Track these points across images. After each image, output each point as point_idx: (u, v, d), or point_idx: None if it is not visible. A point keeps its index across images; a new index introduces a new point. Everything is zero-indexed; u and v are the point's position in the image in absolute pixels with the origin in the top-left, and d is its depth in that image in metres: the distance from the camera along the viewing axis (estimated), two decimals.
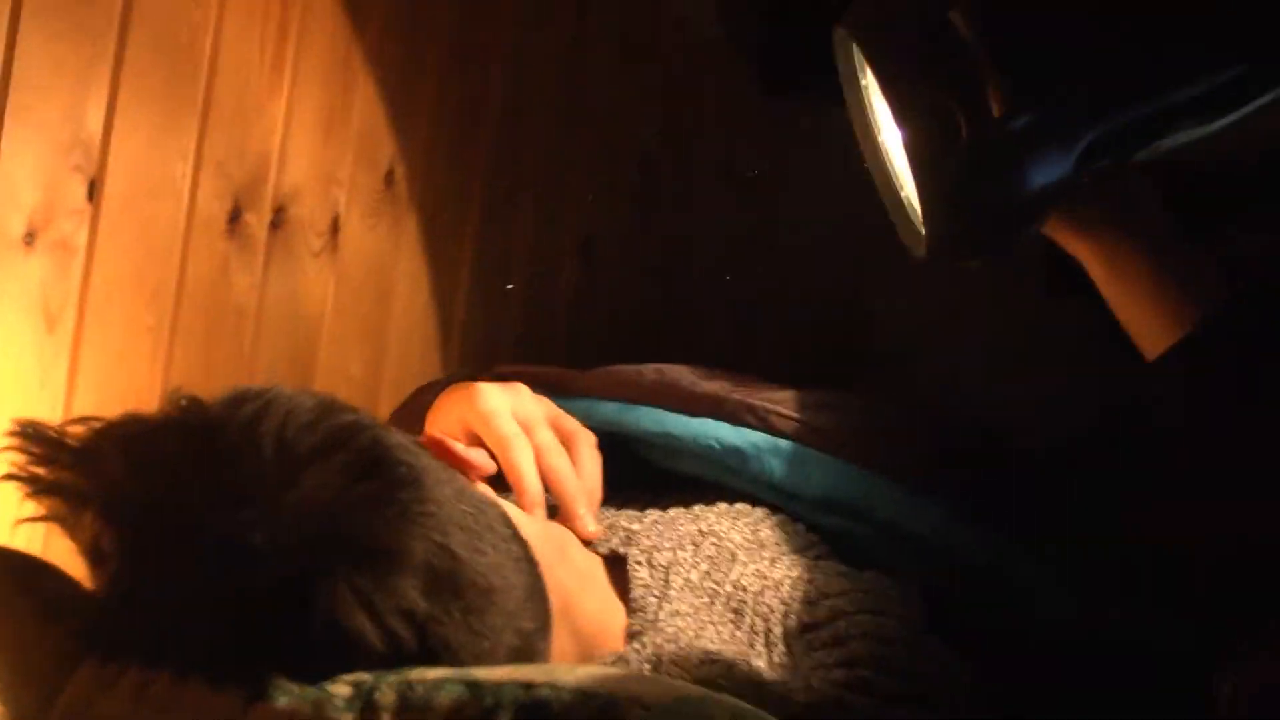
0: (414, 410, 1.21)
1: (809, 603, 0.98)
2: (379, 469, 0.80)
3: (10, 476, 0.79)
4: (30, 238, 1.11)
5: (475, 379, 1.18)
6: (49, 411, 1.13)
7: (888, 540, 1.11)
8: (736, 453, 1.14)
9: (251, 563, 0.74)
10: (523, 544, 0.90)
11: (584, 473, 1.08)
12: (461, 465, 0.92)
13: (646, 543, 1.04)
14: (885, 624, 0.97)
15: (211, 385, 1.21)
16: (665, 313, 1.61)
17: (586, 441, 1.11)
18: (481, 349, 1.56)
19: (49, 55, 1.10)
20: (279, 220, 1.32)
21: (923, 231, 0.91)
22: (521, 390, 1.13)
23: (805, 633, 0.97)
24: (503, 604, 0.84)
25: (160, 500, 0.76)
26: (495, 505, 0.90)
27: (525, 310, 1.62)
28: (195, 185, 1.25)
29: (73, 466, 0.79)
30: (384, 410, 1.43)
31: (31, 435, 0.81)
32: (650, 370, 1.20)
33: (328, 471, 0.78)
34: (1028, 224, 0.87)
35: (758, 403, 1.15)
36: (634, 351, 1.56)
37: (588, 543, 1.04)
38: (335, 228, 1.38)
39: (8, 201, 1.09)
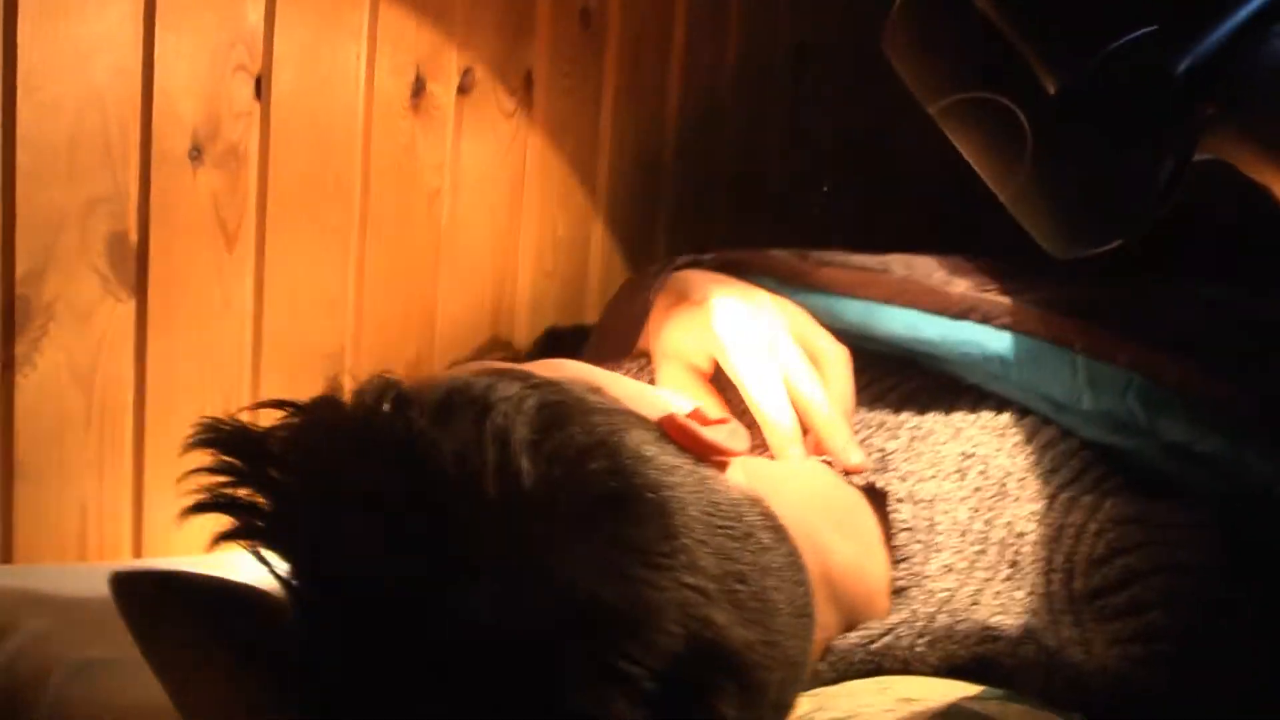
0: (628, 314, 1.09)
1: (1098, 561, 0.85)
2: (623, 509, 0.69)
3: (202, 507, 0.72)
4: (196, 152, 1.02)
5: (697, 264, 1.07)
6: (236, 337, 1.07)
7: (1175, 460, 0.96)
8: (1000, 361, 1.00)
9: (485, 647, 0.65)
10: (781, 536, 0.78)
11: (838, 396, 0.96)
12: (708, 452, 0.78)
13: (905, 466, 0.93)
14: (1185, 584, 0.83)
15: (407, 283, 1.18)
16: (879, 122, 1.43)
17: (840, 361, 0.98)
18: (696, 188, 1.43)
19: None
20: (466, 84, 1.20)
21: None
22: (760, 298, 0.99)
23: (1096, 599, 0.84)
24: (771, 652, 0.73)
25: (377, 573, 0.67)
26: (751, 501, 0.78)
27: (740, 136, 1.46)
28: (371, 63, 1.13)
29: (274, 516, 0.71)
30: (593, 275, 1.34)
31: (224, 444, 0.73)
32: (897, 264, 1.05)
33: (564, 522, 0.67)
34: (1160, 180, 0.76)
35: (1025, 305, 1.00)
36: (850, 169, 1.42)
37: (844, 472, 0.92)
38: (529, 82, 1.25)
39: (168, 119, 1.00)
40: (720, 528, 0.72)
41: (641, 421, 0.76)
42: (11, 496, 0.95)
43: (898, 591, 0.87)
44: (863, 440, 0.96)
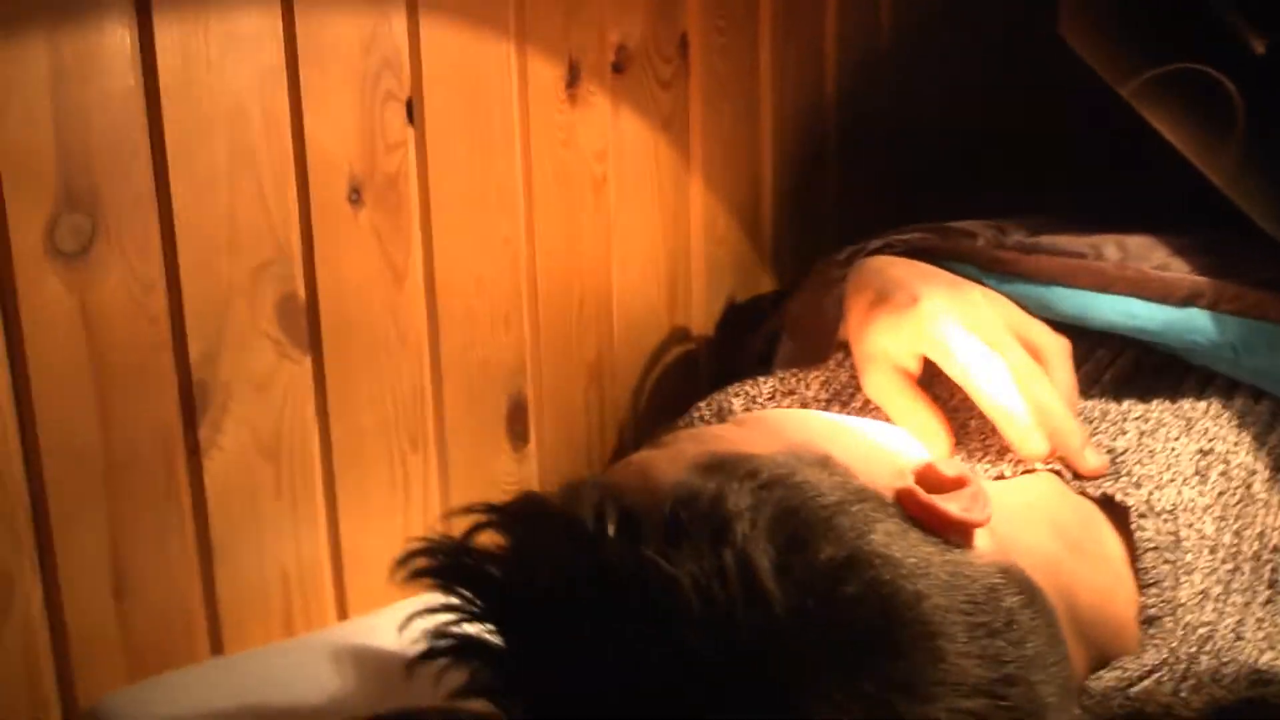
0: (823, 309, 1.02)
1: None
2: (886, 640, 0.63)
3: (433, 654, 0.68)
4: (356, 194, 0.97)
5: (888, 248, 1.00)
6: (414, 371, 1.03)
7: None
8: (1231, 347, 0.92)
9: None
10: (1039, 608, 0.72)
11: (1064, 393, 0.88)
12: (952, 530, 0.71)
13: (1139, 470, 0.85)
14: None
15: (581, 280, 1.12)
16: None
17: (1061, 354, 0.90)
18: (859, 141, 1.34)
19: None
20: (621, 61, 1.12)
21: None
22: (971, 293, 0.91)
23: None
24: None
25: None
26: (1004, 575, 0.71)
27: (899, 87, 1.35)
28: (523, 61, 1.06)
29: (510, 664, 0.67)
30: (765, 237, 1.27)
31: (445, 574, 0.69)
32: (1110, 246, 0.96)
33: (825, 662, 0.62)
34: None
35: (1254, 288, 0.91)
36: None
37: (1076, 477, 0.86)
38: (684, 48, 1.16)
39: (323, 166, 0.95)
40: (981, 624, 0.67)
41: (880, 504, 0.70)
42: (214, 581, 0.93)
43: (1148, 620, 0.81)
44: (1090, 437, 0.89)
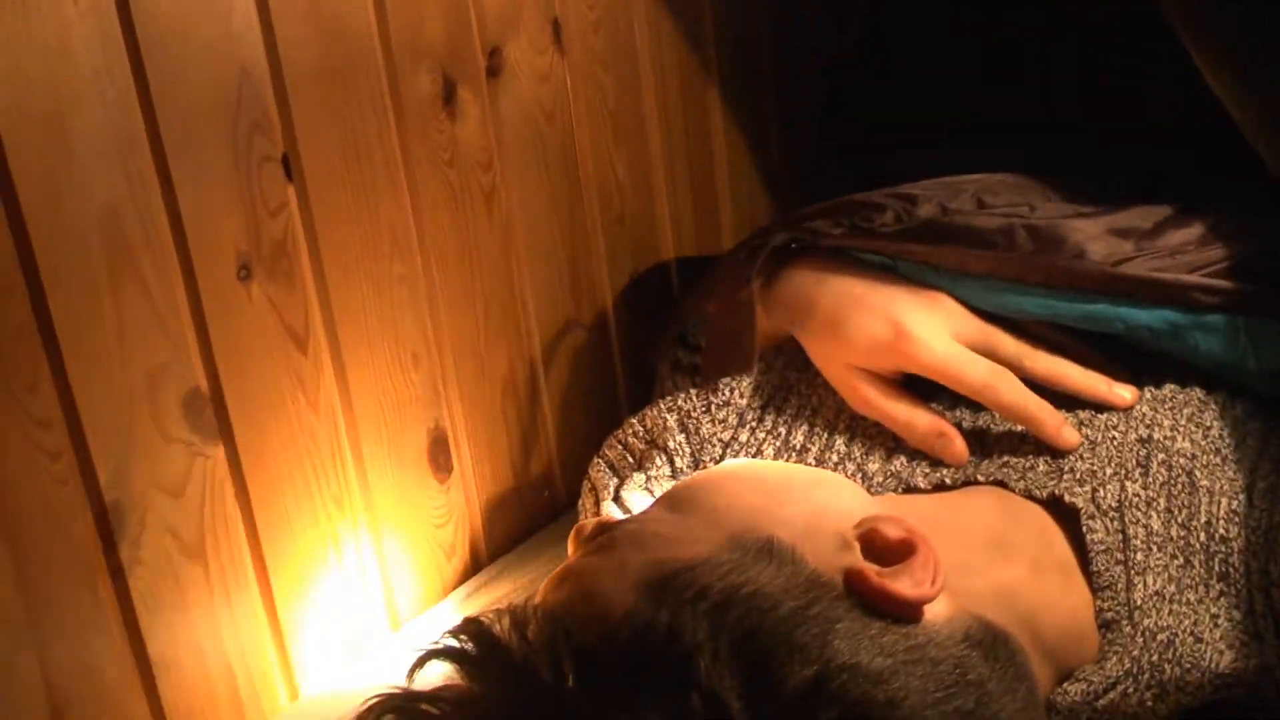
0: (734, 308, 1.01)
1: None
2: None
3: None
4: (245, 271, 0.90)
5: (798, 242, 0.99)
6: (330, 435, 0.99)
7: None
8: (1149, 330, 0.93)
9: None
10: (1009, 662, 0.72)
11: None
12: (906, 612, 0.69)
13: (1080, 466, 0.86)
14: None
15: (485, 299, 1.07)
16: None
17: (1029, 359, 0.94)
18: (745, 101, 1.28)
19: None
20: (495, 65, 1.06)
21: None
22: (946, 305, 0.93)
23: None
24: None
25: None
26: (969, 639, 0.71)
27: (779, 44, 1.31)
28: (395, 86, 0.99)
29: None
30: (660, 209, 1.22)
31: None
32: (1023, 235, 0.95)
33: None
34: None
35: (1169, 275, 0.91)
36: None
37: (1029, 494, 0.86)
38: (557, 33, 1.10)
39: (207, 248, 0.88)
40: (954, 711, 0.66)
41: (833, 597, 0.68)
42: (158, 694, 0.89)
43: (1105, 625, 0.82)
44: (1028, 435, 0.90)
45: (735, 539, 0.71)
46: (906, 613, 0.69)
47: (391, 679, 0.67)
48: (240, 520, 0.93)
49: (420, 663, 0.68)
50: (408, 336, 1.02)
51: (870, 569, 0.70)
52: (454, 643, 0.67)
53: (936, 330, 0.91)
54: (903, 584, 0.69)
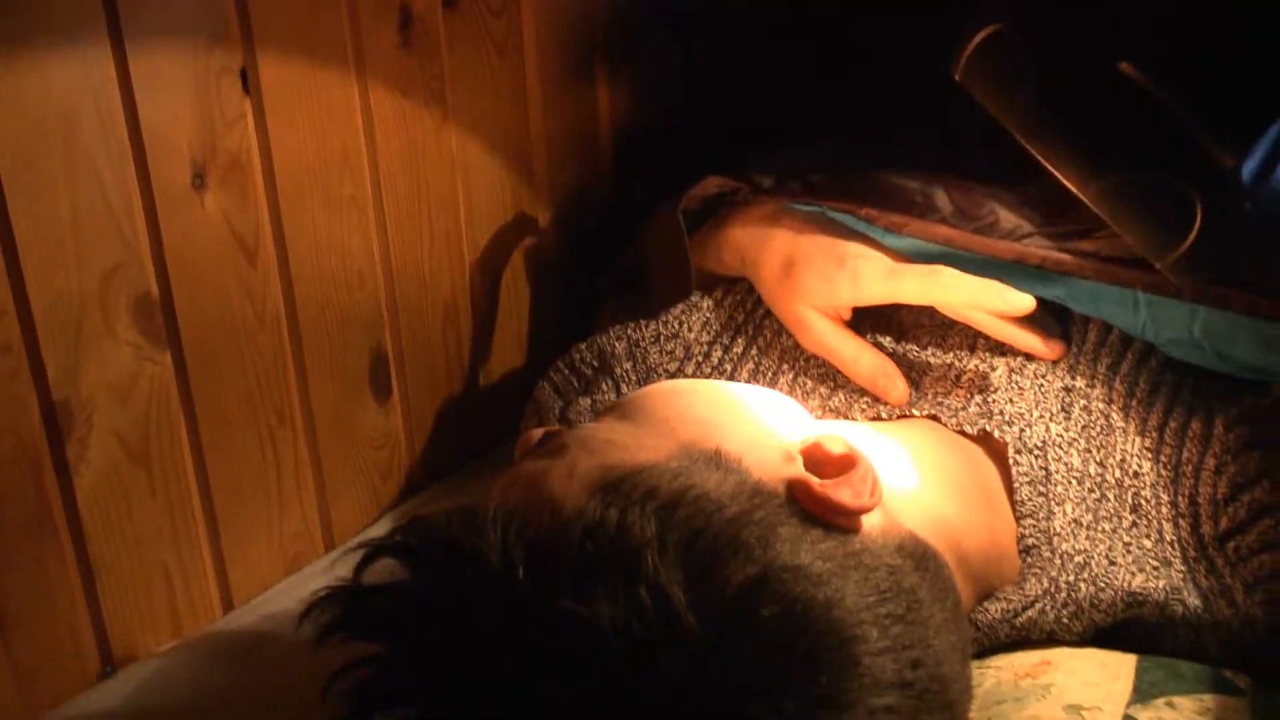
0: (673, 247, 1.03)
1: (1223, 501, 0.84)
2: (805, 658, 0.64)
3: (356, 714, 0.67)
4: (199, 179, 0.91)
5: (758, 191, 1.02)
6: (275, 347, 1.00)
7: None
8: (1057, 294, 0.96)
9: None
10: (937, 574, 0.76)
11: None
12: (845, 520, 0.72)
13: (1010, 409, 0.90)
14: None
15: (431, 226, 1.09)
16: None
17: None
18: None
19: None
20: None
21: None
22: (885, 248, 0.96)
23: (1226, 540, 0.84)
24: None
25: None
26: (901, 550, 0.74)
27: None
28: (355, 12, 1.00)
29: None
30: (606, 150, 1.24)
31: (357, 627, 0.67)
32: (942, 198, 0.98)
33: (750, 688, 0.63)
34: None
35: (1079, 254, 0.94)
36: None
37: (959, 431, 0.91)
38: None
39: (164, 156, 0.89)
40: (888, 615, 0.69)
41: (777, 504, 0.71)
42: (97, 596, 0.90)
43: (1026, 550, 0.86)
44: (962, 376, 0.93)
45: (684, 447, 0.73)
46: (846, 521, 0.72)
47: (338, 577, 0.67)
48: (184, 428, 0.94)
49: (368, 559, 0.69)
50: (354, 257, 1.03)
51: (812, 479, 0.72)
52: (402, 539, 0.68)
53: (881, 260, 0.94)
54: (843, 494, 0.72)
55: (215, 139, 0.91)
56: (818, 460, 0.75)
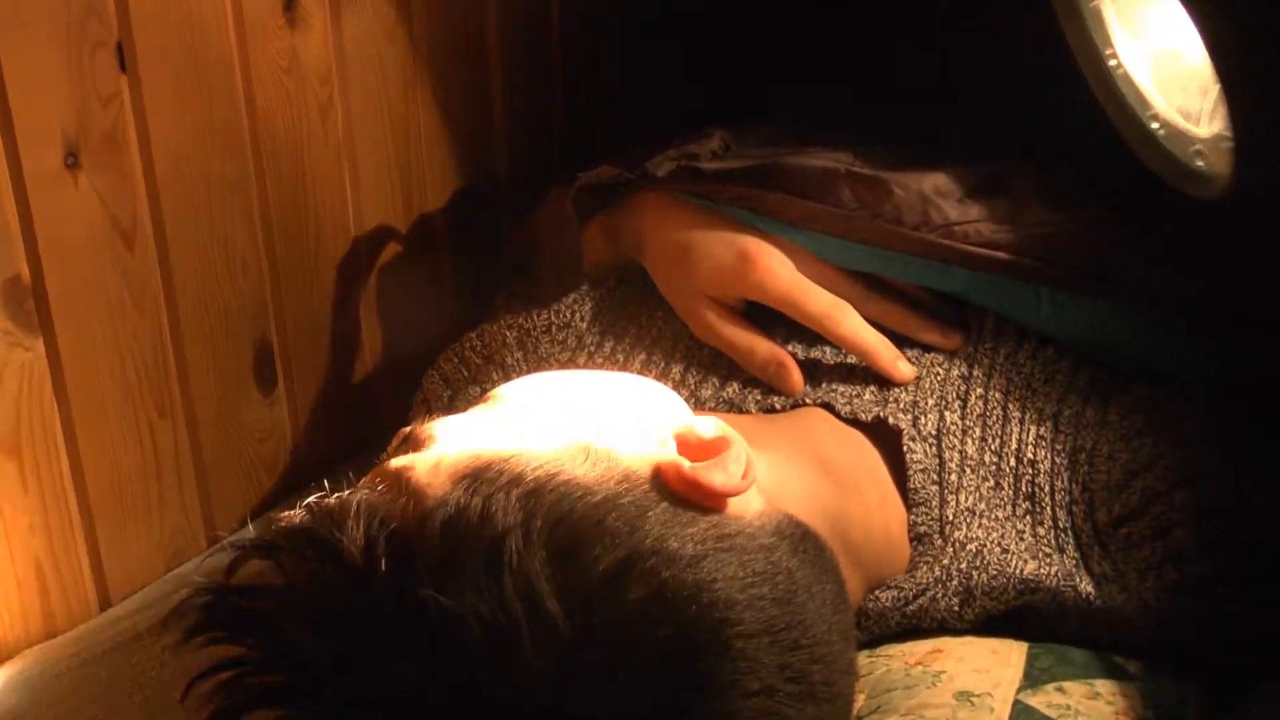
0: (562, 236, 1.02)
1: (1116, 488, 0.85)
2: (676, 643, 0.63)
3: (225, 713, 0.65)
4: (73, 159, 0.88)
5: (653, 180, 0.99)
6: (154, 335, 0.96)
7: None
8: (959, 289, 0.96)
9: None
10: (818, 557, 0.75)
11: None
12: (717, 503, 0.71)
13: (905, 397, 0.90)
14: (1204, 493, 0.83)
15: (317, 213, 1.06)
16: None
17: (864, 300, 0.97)
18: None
19: None
20: None
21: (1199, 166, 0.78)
22: (784, 245, 0.96)
23: (1120, 526, 0.84)
24: (836, 706, 0.72)
25: None
26: (778, 532, 0.73)
27: None
28: None
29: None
30: (499, 128, 1.22)
31: (223, 624, 0.66)
32: (846, 192, 0.97)
33: (619, 677, 0.62)
34: None
35: (980, 247, 0.95)
36: None
37: (853, 420, 0.90)
38: None
39: (35, 135, 0.86)
40: (763, 597, 0.68)
41: (646, 489, 0.70)
42: None
43: (918, 538, 0.86)
44: (858, 367, 0.93)
45: (554, 436, 0.71)
46: (715, 503, 0.70)
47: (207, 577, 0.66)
48: (58, 418, 0.90)
49: (237, 561, 0.67)
50: (238, 244, 1.01)
51: (682, 461, 0.71)
52: (267, 537, 0.66)
53: (781, 260, 0.94)
54: (714, 476, 0.70)
55: (89, 117, 0.88)
56: (690, 445, 0.74)
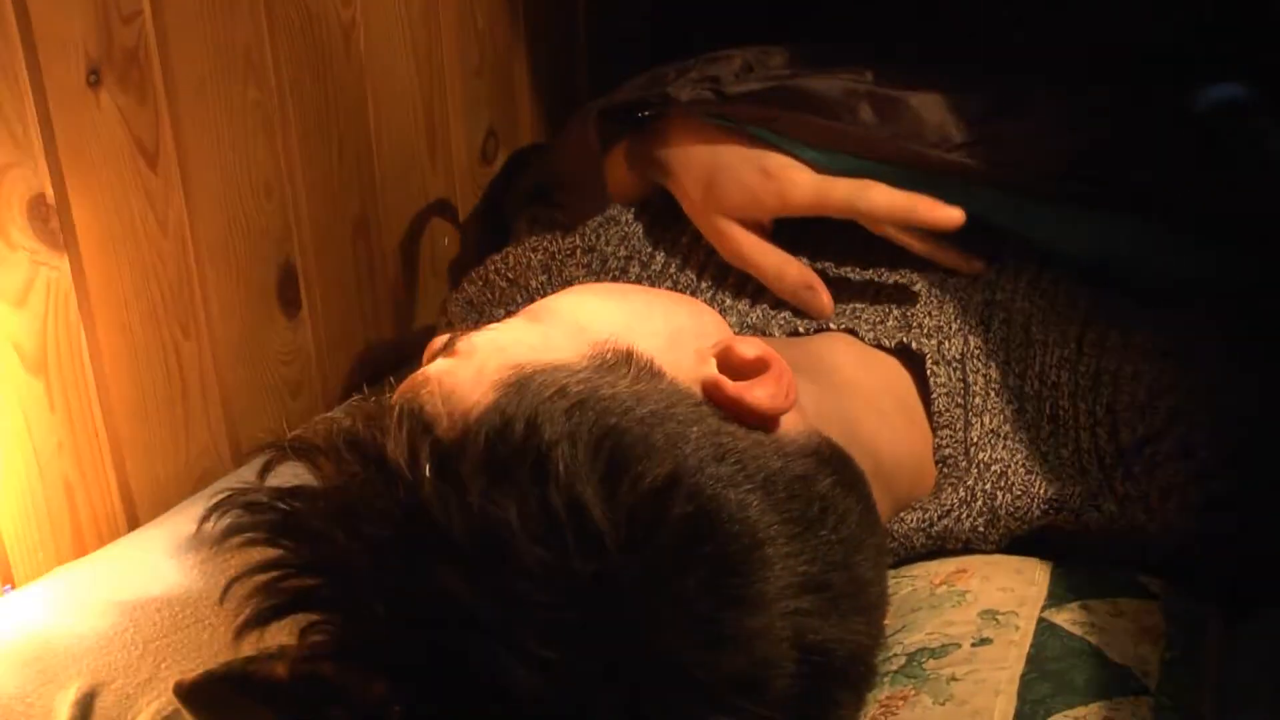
0: (588, 160, 1.01)
1: (1140, 407, 0.84)
2: (716, 561, 0.63)
3: (267, 616, 0.65)
4: (95, 76, 0.88)
5: (675, 104, 0.98)
6: (179, 256, 0.96)
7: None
8: (978, 210, 0.95)
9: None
10: (851, 480, 0.74)
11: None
12: (759, 422, 0.71)
13: (929, 322, 0.90)
14: (1232, 409, 0.82)
15: (340, 135, 1.06)
16: None
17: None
18: None
19: None
20: None
21: None
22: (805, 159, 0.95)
23: (1144, 447, 0.83)
24: (870, 629, 0.71)
25: (468, 671, 0.60)
26: (816, 456, 0.73)
27: None
28: None
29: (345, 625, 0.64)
30: (519, 63, 1.21)
31: (264, 531, 0.64)
32: (867, 109, 0.96)
33: (661, 590, 0.61)
34: None
35: (1000, 164, 0.94)
36: None
37: (876, 345, 0.90)
38: None
39: (57, 51, 0.85)
40: (800, 518, 0.67)
41: (690, 404, 0.69)
42: None
43: (943, 460, 0.86)
44: (884, 290, 0.93)
45: (596, 348, 0.71)
46: (761, 422, 0.70)
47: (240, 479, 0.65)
48: (84, 338, 0.91)
49: (272, 462, 0.67)
50: (260, 165, 1.00)
51: (726, 380, 0.71)
52: (306, 438, 0.65)
53: (801, 169, 0.93)
54: (758, 394, 0.70)
55: (111, 34, 0.88)
56: (731, 364, 0.73)
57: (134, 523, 0.96)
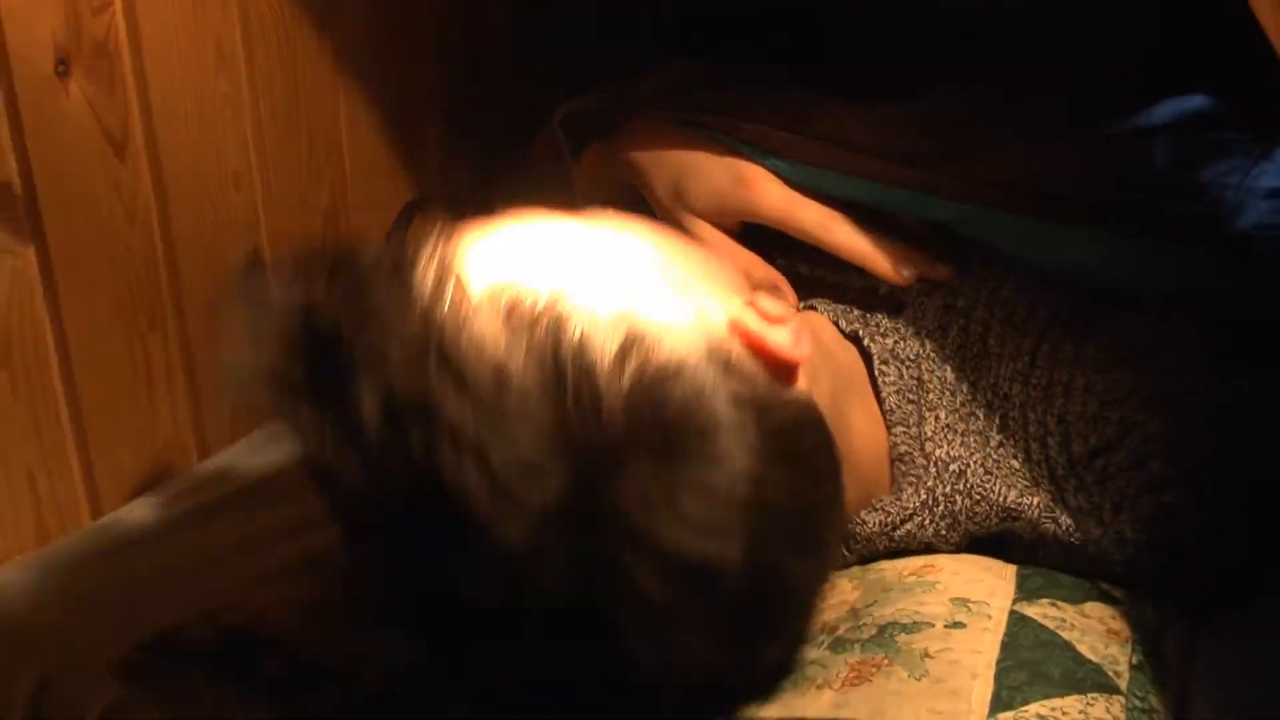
0: (551, 149, 1.01)
1: (1091, 418, 0.84)
2: (697, 446, 0.65)
3: None
4: (63, 66, 0.88)
5: (639, 107, 0.99)
6: (146, 247, 0.96)
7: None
8: (945, 221, 0.96)
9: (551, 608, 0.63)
10: (832, 456, 0.75)
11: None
12: (777, 367, 0.73)
13: (887, 323, 0.91)
14: (1185, 419, 0.82)
15: (308, 124, 1.05)
16: None
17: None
18: None
19: None
20: None
21: None
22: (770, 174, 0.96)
23: (1096, 458, 0.83)
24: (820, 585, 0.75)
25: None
26: (812, 420, 0.74)
27: None
28: None
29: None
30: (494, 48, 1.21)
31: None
32: (827, 123, 0.97)
33: (640, 456, 0.64)
34: None
35: (962, 180, 0.94)
36: None
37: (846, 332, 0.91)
38: None
39: (24, 39, 0.85)
40: (785, 452, 0.69)
41: (715, 340, 0.71)
42: None
43: (899, 458, 0.86)
44: (850, 290, 0.94)
45: (630, 279, 0.73)
46: (777, 368, 0.73)
47: None
48: (49, 328, 0.90)
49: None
50: (230, 156, 1.00)
51: (752, 316, 0.73)
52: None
53: (773, 180, 0.94)
54: (779, 337, 0.72)
55: (81, 24, 0.88)
56: (759, 309, 0.75)
57: (97, 513, 0.95)
